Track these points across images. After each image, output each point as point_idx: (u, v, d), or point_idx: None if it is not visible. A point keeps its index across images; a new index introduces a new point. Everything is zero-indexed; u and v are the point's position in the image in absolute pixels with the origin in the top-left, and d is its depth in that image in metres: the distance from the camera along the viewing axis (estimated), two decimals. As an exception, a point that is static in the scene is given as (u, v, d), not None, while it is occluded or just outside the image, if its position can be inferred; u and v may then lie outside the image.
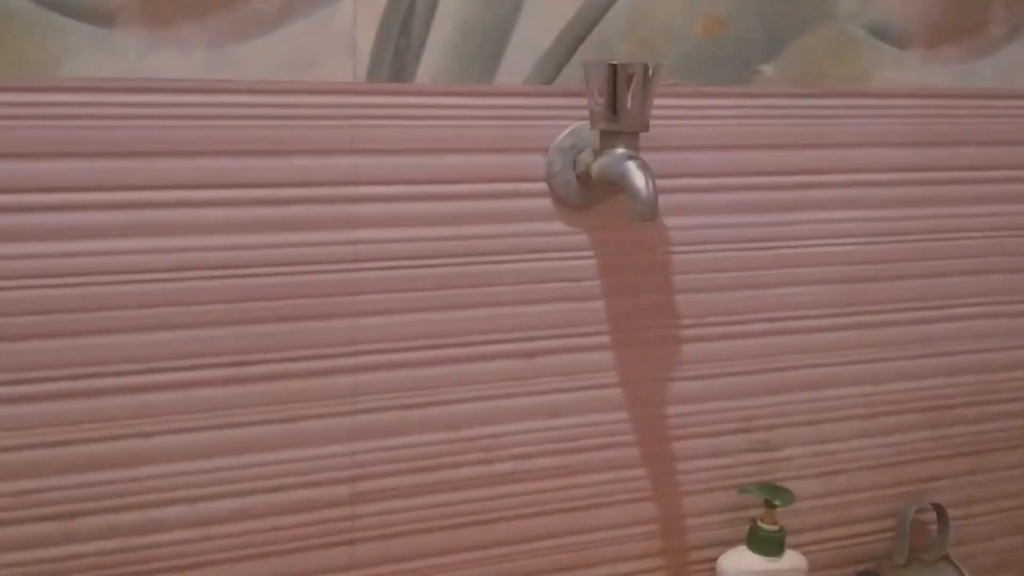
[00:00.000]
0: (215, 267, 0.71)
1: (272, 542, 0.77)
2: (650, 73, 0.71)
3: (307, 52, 0.69)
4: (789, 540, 0.87)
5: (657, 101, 0.75)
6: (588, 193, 0.79)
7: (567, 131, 0.77)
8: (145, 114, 0.67)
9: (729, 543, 0.90)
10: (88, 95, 0.65)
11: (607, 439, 0.85)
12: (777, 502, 0.86)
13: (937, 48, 0.89)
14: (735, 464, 0.91)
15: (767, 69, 0.83)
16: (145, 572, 0.74)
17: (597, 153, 0.74)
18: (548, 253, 0.80)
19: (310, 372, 0.75)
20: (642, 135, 0.73)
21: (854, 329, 0.92)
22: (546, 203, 0.79)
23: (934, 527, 0.97)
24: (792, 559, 0.87)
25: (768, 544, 0.86)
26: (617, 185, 0.72)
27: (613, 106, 0.72)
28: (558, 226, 0.79)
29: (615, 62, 0.71)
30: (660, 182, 0.71)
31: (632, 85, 0.71)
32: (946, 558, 0.96)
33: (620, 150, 0.72)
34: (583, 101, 0.75)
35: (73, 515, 0.71)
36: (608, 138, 0.73)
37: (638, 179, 0.69)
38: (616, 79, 0.71)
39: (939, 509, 0.96)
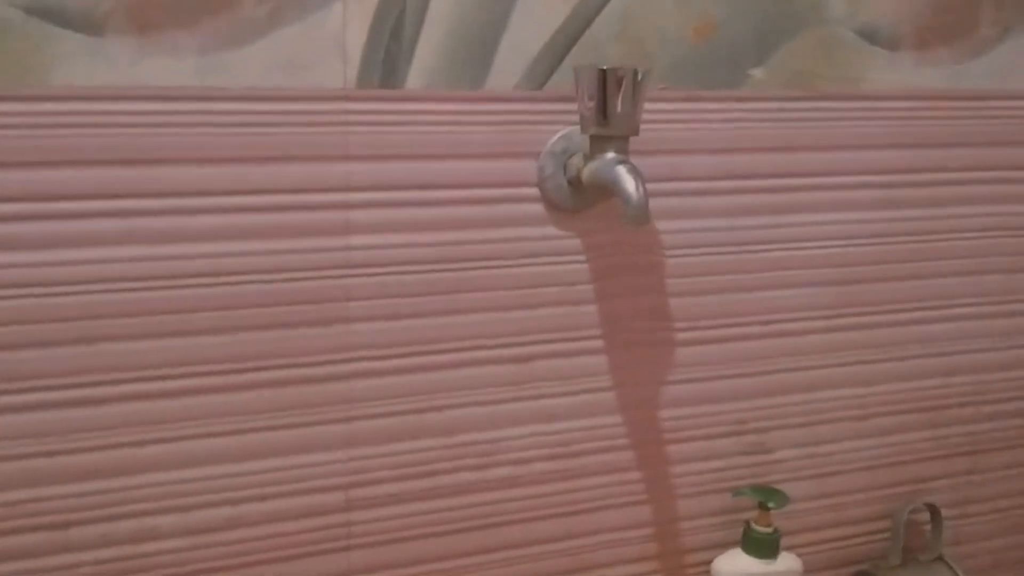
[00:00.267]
0: (207, 274, 0.71)
1: (267, 550, 0.77)
2: (640, 77, 0.71)
3: (297, 58, 0.69)
4: (784, 542, 0.87)
5: (648, 105, 0.75)
6: (580, 197, 0.79)
7: (558, 136, 0.77)
8: (136, 122, 0.67)
9: (724, 546, 0.90)
10: (79, 103, 0.65)
11: (602, 443, 0.86)
12: (771, 504, 0.86)
13: (928, 50, 0.89)
14: (729, 467, 0.91)
15: (758, 72, 0.83)
16: (140, 580, 0.74)
17: (588, 158, 0.74)
18: (541, 257, 0.80)
19: (304, 379, 0.75)
20: (633, 139, 0.73)
21: (847, 331, 0.92)
22: (538, 208, 0.79)
23: (929, 528, 0.97)
24: (787, 561, 0.87)
25: (763, 546, 0.86)
26: (608, 189, 0.72)
27: (603, 110, 0.72)
28: (550, 230, 0.79)
29: (605, 66, 0.71)
30: (652, 186, 0.71)
31: (622, 89, 0.71)
32: (941, 559, 0.96)
33: (610, 154, 0.72)
34: (574, 106, 0.75)
35: (67, 524, 0.71)
36: (598, 142, 0.73)
37: (628, 183, 0.69)
38: (606, 83, 0.71)
39: (933, 510, 0.96)
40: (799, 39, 0.83)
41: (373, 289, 0.75)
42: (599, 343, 0.83)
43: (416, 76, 0.73)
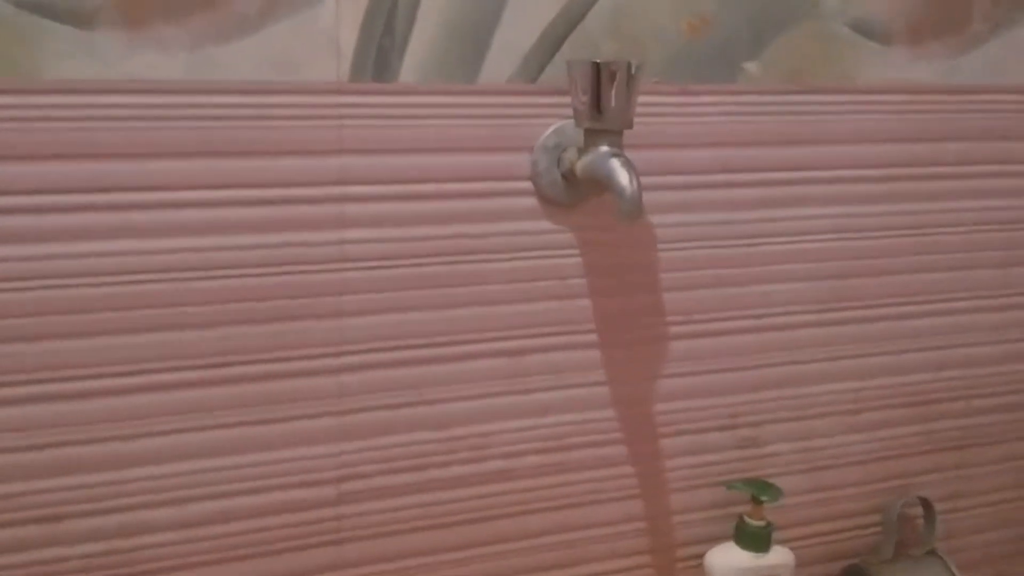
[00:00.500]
0: (200, 268, 0.70)
1: (259, 543, 0.77)
2: (633, 71, 0.71)
3: (290, 53, 0.69)
4: (776, 536, 0.87)
5: (642, 99, 0.75)
6: (574, 191, 0.79)
7: (551, 130, 0.77)
8: (128, 115, 0.66)
9: (717, 539, 0.90)
10: (70, 96, 0.65)
11: (595, 437, 0.86)
12: (764, 498, 0.86)
13: (921, 44, 0.89)
14: (722, 461, 0.91)
15: (752, 67, 0.83)
16: (131, 575, 0.74)
17: (581, 151, 0.74)
18: (534, 252, 0.80)
19: (296, 372, 0.75)
20: (628, 133, 0.73)
21: (840, 325, 0.92)
22: (532, 202, 0.79)
23: (921, 521, 0.98)
24: (779, 554, 0.88)
25: (755, 540, 0.87)
26: (602, 183, 0.72)
27: (597, 104, 0.72)
28: (544, 225, 0.79)
29: (598, 60, 0.71)
30: (646, 180, 0.71)
31: (616, 83, 0.71)
32: (933, 552, 0.97)
33: (604, 148, 0.72)
34: (567, 100, 0.75)
35: (58, 518, 0.71)
36: (592, 136, 0.73)
37: (622, 177, 0.69)
38: (600, 77, 0.71)
39: (925, 503, 0.96)
40: (793, 33, 0.83)
41: (366, 283, 0.75)
42: (592, 337, 0.83)
43: (409, 70, 0.72)
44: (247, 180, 0.70)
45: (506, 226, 0.78)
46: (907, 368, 0.96)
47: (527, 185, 0.78)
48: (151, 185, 0.68)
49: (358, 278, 0.75)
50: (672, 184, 0.83)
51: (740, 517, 0.88)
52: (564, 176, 0.78)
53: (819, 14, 0.84)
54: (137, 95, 0.66)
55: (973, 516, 1.05)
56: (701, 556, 0.90)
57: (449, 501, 0.82)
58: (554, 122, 0.77)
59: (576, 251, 0.81)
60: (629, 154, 0.72)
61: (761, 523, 0.87)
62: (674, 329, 0.86)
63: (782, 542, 0.90)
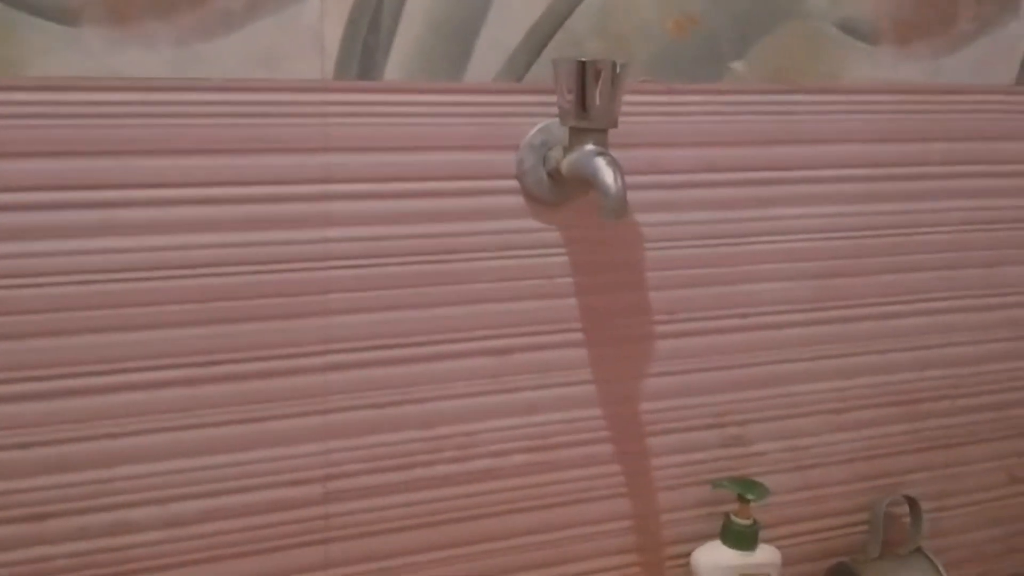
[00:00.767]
0: (185, 266, 0.70)
1: (245, 542, 0.77)
2: (618, 70, 0.71)
3: (275, 50, 0.69)
4: (763, 534, 0.88)
5: (628, 98, 0.76)
6: (559, 190, 0.79)
7: (537, 128, 0.77)
8: (113, 112, 0.66)
9: (703, 538, 0.90)
10: (55, 93, 0.65)
11: (581, 436, 0.86)
12: (751, 496, 0.86)
13: (907, 44, 0.89)
14: (708, 459, 0.91)
15: (738, 66, 0.83)
16: (117, 574, 0.74)
17: (567, 150, 0.74)
18: (520, 250, 0.80)
19: (282, 371, 0.75)
20: (614, 132, 0.73)
21: (826, 324, 0.92)
22: (518, 200, 0.79)
23: (907, 520, 0.98)
24: (766, 553, 0.88)
25: (742, 538, 0.87)
26: (587, 182, 0.72)
27: (582, 102, 0.72)
28: (530, 223, 0.79)
29: (584, 59, 0.71)
30: (632, 179, 0.71)
31: (601, 81, 0.71)
32: (919, 551, 0.97)
33: (589, 147, 0.72)
34: (553, 98, 0.75)
35: (43, 517, 0.71)
36: (577, 135, 0.73)
37: (607, 175, 0.69)
38: (585, 76, 0.71)
39: (912, 502, 0.97)
40: (779, 33, 0.84)
41: (352, 281, 0.75)
42: (579, 336, 0.83)
43: (394, 68, 0.72)
44: (232, 178, 0.70)
45: (492, 225, 0.78)
46: (892, 367, 0.96)
47: (513, 184, 0.78)
48: (136, 183, 0.68)
49: (343, 276, 0.75)
50: (658, 183, 0.83)
51: (727, 515, 0.88)
52: (550, 175, 0.78)
53: (806, 13, 0.84)
54: (122, 92, 0.66)
55: (959, 515, 1.05)
56: (688, 555, 0.90)
57: (436, 500, 0.82)
58: (540, 121, 0.77)
59: (562, 250, 0.81)
60: (614, 153, 0.72)
61: (748, 522, 0.87)
62: (660, 328, 0.86)
63: (769, 541, 0.90)
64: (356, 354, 0.76)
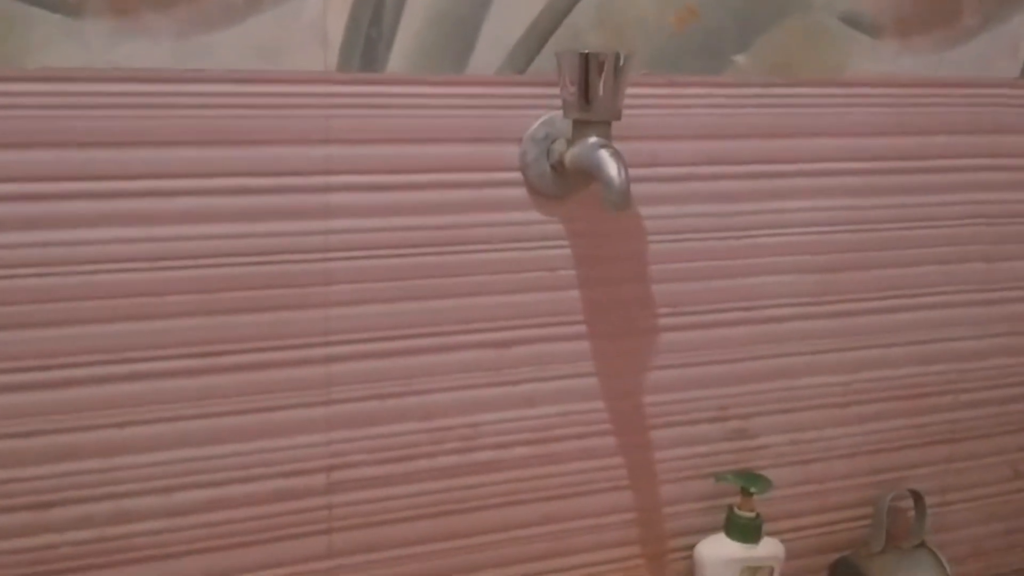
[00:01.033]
0: (187, 257, 0.71)
1: (248, 532, 0.77)
2: (621, 62, 0.71)
3: (276, 42, 0.69)
4: (766, 527, 0.88)
5: (630, 91, 0.76)
6: (563, 183, 0.79)
7: (540, 121, 0.77)
8: (114, 103, 0.67)
9: (707, 531, 0.91)
10: (57, 84, 0.65)
11: (584, 428, 0.86)
12: (754, 489, 0.86)
13: (910, 38, 0.89)
14: (712, 452, 0.91)
15: (740, 59, 0.83)
16: (120, 562, 0.74)
17: (570, 142, 0.75)
18: (523, 243, 0.80)
19: (284, 362, 0.75)
20: (617, 125, 0.73)
21: (829, 318, 0.92)
22: (521, 192, 0.79)
23: (911, 514, 0.98)
24: (769, 546, 0.88)
25: (745, 531, 0.87)
26: (591, 174, 0.72)
27: (585, 95, 0.72)
28: (533, 215, 0.80)
29: (587, 51, 0.71)
30: (635, 171, 0.71)
31: (604, 73, 0.71)
32: (923, 545, 0.97)
33: (593, 139, 0.72)
34: (556, 91, 0.75)
35: (48, 505, 0.71)
36: (581, 127, 0.73)
37: (610, 167, 0.69)
38: (588, 68, 0.71)
39: (916, 496, 0.97)
40: (782, 26, 0.84)
41: (353, 273, 0.75)
42: (581, 329, 0.83)
43: (397, 60, 0.73)
44: (233, 169, 0.70)
45: (495, 217, 0.78)
46: (895, 361, 0.96)
47: (516, 176, 0.78)
48: (136, 174, 0.68)
49: (345, 268, 0.75)
50: (660, 176, 0.83)
51: (730, 508, 0.88)
52: (553, 167, 0.78)
53: (808, 6, 0.84)
54: (123, 83, 0.66)
55: (963, 509, 1.05)
56: (690, 548, 0.90)
57: (437, 491, 0.82)
58: (543, 113, 0.77)
59: (565, 242, 0.81)
60: (617, 145, 0.72)
61: (751, 514, 0.87)
62: (663, 321, 0.86)
63: (772, 534, 0.90)
64: (358, 345, 0.77)
